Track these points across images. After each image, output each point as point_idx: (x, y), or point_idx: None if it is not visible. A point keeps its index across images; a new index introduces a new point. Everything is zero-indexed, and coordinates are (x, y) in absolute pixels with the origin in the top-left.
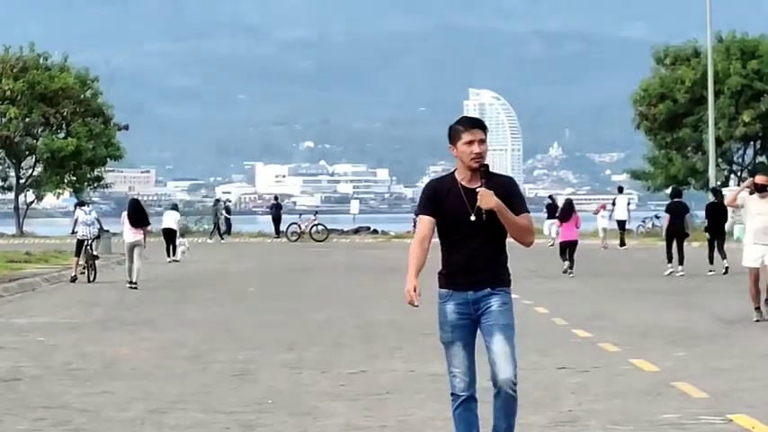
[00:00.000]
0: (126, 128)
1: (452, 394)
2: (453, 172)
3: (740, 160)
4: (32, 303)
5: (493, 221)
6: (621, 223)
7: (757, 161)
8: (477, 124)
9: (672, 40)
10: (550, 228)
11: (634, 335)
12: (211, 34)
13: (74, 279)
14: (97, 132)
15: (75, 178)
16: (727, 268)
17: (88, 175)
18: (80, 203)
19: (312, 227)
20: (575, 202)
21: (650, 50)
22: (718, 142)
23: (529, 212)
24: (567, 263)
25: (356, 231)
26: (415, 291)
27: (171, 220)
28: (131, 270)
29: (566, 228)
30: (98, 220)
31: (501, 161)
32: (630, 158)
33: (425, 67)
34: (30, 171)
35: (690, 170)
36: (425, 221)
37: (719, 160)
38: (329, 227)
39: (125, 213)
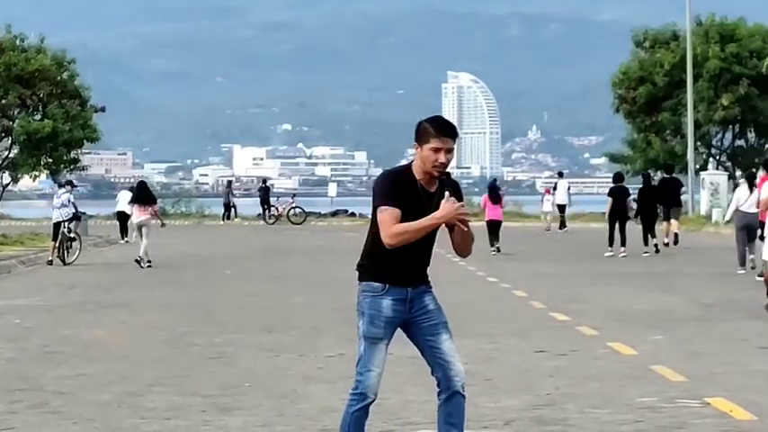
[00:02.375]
0: (103, 110)
1: (360, 394)
2: (410, 167)
3: (719, 144)
4: (8, 286)
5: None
6: (561, 207)
7: (736, 145)
8: (449, 132)
9: (651, 24)
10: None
11: (612, 318)
12: (189, 16)
13: (50, 262)
14: (74, 114)
15: (51, 160)
16: (656, 246)
17: (65, 158)
18: (69, 183)
19: (290, 210)
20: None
21: (629, 33)
22: (697, 126)
23: None
24: (492, 248)
25: (334, 214)
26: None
27: (124, 202)
28: (141, 248)
29: (494, 208)
30: (71, 203)
31: (479, 144)
32: (609, 142)
33: (404, 50)
34: (6, 153)
35: (669, 154)
36: (396, 214)
37: (698, 144)
38: (307, 210)
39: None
